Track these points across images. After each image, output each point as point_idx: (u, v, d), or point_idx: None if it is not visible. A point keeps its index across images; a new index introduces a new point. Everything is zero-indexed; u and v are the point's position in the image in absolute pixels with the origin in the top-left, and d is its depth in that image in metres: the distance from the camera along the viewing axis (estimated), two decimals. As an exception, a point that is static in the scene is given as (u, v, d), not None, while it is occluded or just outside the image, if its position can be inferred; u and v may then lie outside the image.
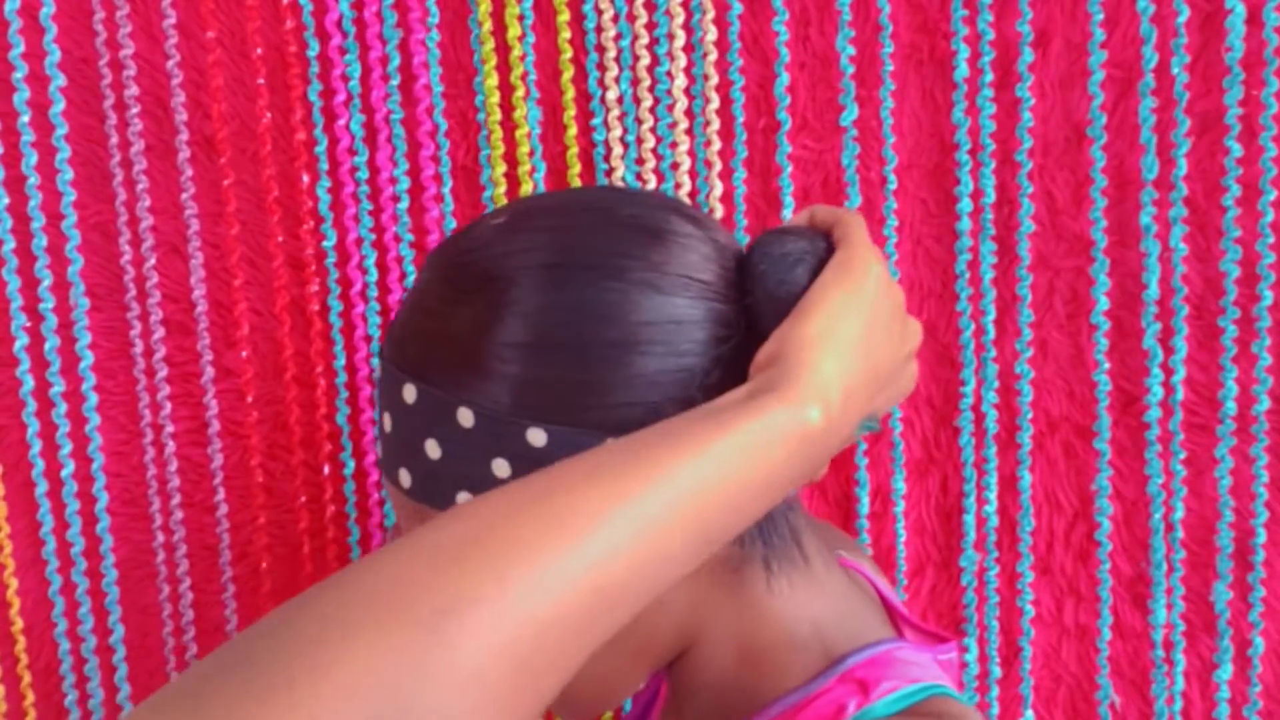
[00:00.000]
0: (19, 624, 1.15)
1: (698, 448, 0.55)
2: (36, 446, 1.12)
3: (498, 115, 1.07)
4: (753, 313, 0.68)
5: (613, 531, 0.51)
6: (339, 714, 0.43)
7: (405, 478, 0.69)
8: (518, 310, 0.65)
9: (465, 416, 0.66)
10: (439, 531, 0.50)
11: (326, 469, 1.13)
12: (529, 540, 0.49)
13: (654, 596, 0.54)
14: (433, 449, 0.67)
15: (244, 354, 1.12)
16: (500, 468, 0.65)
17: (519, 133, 1.08)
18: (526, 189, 1.08)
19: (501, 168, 1.08)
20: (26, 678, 1.16)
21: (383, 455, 0.71)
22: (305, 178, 1.09)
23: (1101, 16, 1.01)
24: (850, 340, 0.63)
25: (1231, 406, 1.05)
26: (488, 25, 1.06)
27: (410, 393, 0.68)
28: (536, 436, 0.65)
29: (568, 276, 0.66)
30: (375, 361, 1.11)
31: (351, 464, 1.13)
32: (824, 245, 0.69)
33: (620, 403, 0.65)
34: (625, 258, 0.66)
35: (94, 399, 1.12)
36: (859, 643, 0.72)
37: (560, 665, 0.50)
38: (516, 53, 1.06)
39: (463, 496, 0.67)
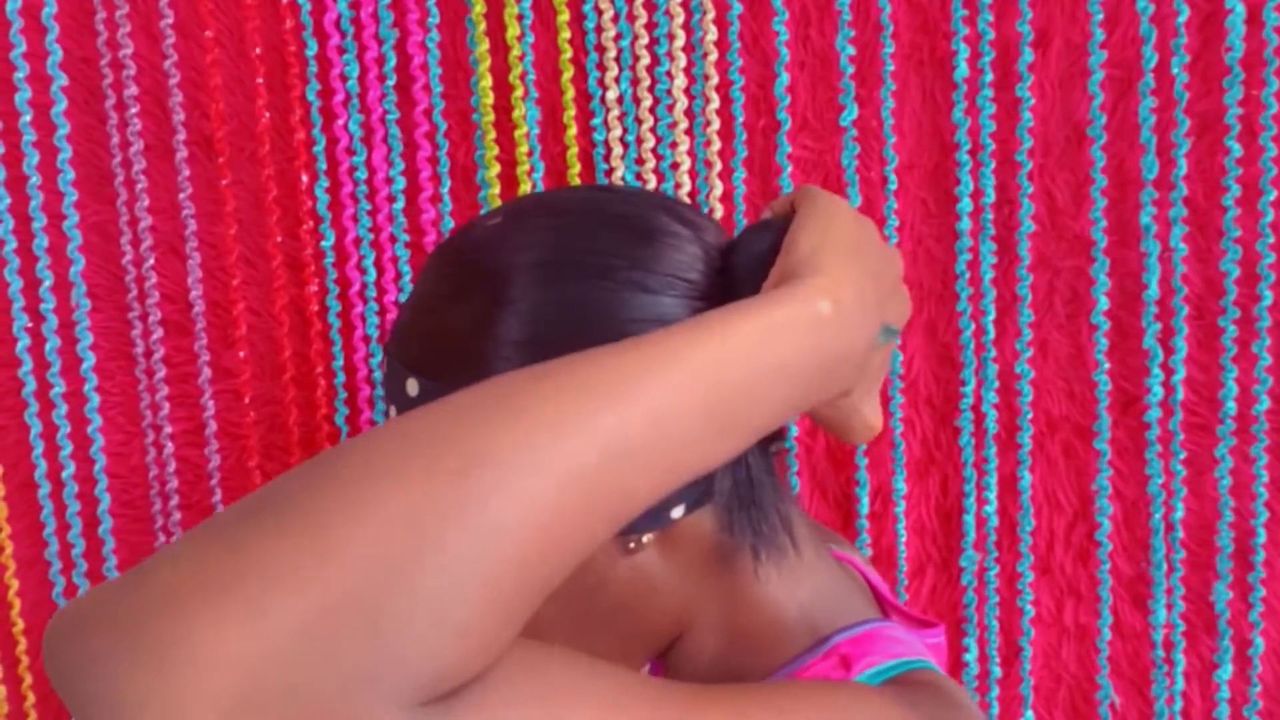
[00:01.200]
0: (20, 625, 1.15)
1: (716, 330, 0.57)
2: (39, 448, 1.12)
3: (491, 116, 1.07)
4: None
5: (633, 398, 0.53)
6: (370, 555, 0.46)
7: None
8: (515, 309, 0.66)
9: None
10: (469, 394, 0.52)
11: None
12: (551, 400, 0.52)
13: (673, 482, 0.55)
14: None
15: (242, 354, 1.12)
16: None
17: (517, 133, 1.08)
18: (524, 190, 1.08)
19: (495, 168, 1.08)
20: (28, 679, 1.16)
21: None
22: (304, 178, 1.09)
23: (1101, 16, 1.01)
24: (845, 245, 0.65)
25: (1232, 406, 1.05)
26: (483, 26, 1.06)
27: (413, 387, 0.69)
28: None
29: (559, 274, 0.67)
30: (375, 361, 1.11)
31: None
32: None
33: None
34: (614, 257, 0.68)
35: (95, 400, 1.12)
36: (845, 622, 0.74)
37: (581, 536, 0.52)
38: (515, 52, 1.06)
39: None
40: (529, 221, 0.70)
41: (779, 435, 0.75)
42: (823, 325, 0.61)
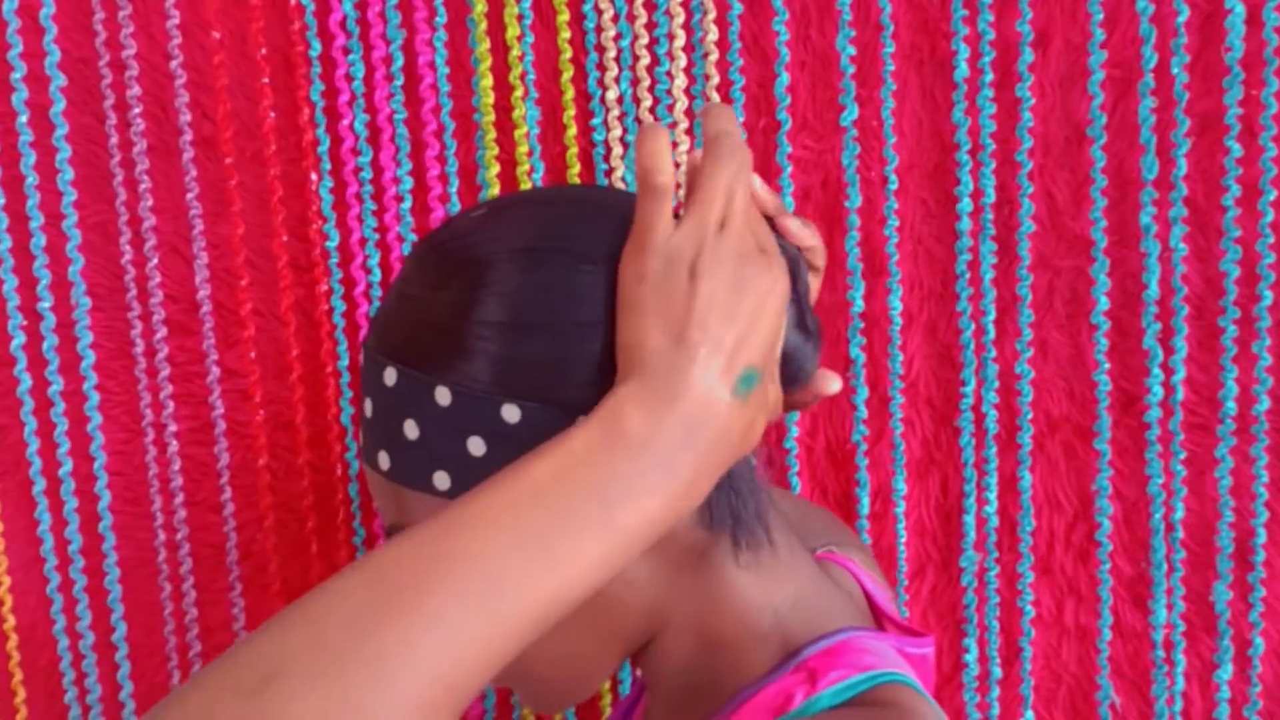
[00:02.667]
0: (11, 621, 1.16)
1: (557, 520, 0.60)
2: (34, 445, 1.13)
3: (492, 116, 1.08)
4: None
5: (501, 596, 0.57)
6: None
7: (384, 460, 0.71)
8: (495, 291, 0.67)
9: (443, 395, 0.68)
10: (349, 597, 0.56)
11: (339, 470, 1.14)
12: (430, 606, 0.56)
13: (589, 595, 0.60)
14: (411, 429, 0.69)
15: (252, 354, 1.13)
16: (476, 445, 0.68)
17: (517, 133, 1.08)
18: (524, 189, 1.09)
19: (495, 168, 1.09)
20: (18, 675, 1.17)
21: (364, 442, 0.73)
22: (313, 177, 1.10)
23: (1101, 16, 1.02)
24: (632, 342, 0.64)
25: (1232, 406, 1.06)
26: (483, 26, 1.06)
27: (390, 375, 0.70)
28: (511, 413, 0.67)
29: (542, 259, 0.68)
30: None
31: (357, 465, 1.14)
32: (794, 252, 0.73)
33: (588, 381, 0.67)
34: (596, 242, 0.68)
35: (95, 398, 1.12)
36: (817, 632, 0.73)
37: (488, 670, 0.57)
38: (515, 53, 1.07)
39: (439, 476, 0.69)
40: (511, 212, 0.72)
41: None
42: (627, 445, 0.61)
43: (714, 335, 0.63)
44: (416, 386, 0.69)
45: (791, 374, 0.71)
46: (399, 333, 0.71)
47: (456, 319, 0.68)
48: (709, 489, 0.64)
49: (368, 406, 0.72)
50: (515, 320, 0.67)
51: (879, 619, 0.83)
